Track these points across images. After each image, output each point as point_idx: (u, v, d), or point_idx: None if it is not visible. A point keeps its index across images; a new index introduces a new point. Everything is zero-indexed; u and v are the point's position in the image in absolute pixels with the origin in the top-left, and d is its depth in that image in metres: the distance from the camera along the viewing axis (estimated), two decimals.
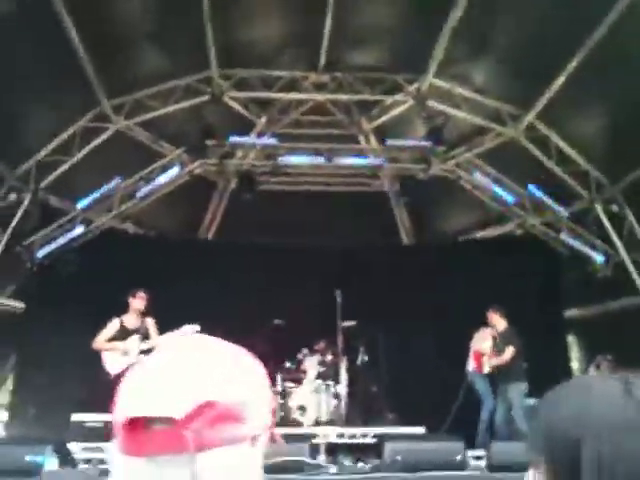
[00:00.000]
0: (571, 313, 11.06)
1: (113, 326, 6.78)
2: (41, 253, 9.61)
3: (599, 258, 10.38)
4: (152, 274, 9.59)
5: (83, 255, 9.78)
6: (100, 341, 6.68)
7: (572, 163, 10.10)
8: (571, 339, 11.33)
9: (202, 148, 9.69)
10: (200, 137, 9.71)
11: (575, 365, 11.09)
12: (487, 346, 8.18)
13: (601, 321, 10.35)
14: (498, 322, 8.15)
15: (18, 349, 9.61)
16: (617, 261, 10.34)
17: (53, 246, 9.69)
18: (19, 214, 9.56)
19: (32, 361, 9.30)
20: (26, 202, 9.60)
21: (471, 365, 8.30)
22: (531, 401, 8.80)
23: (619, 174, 9.82)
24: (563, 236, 10.65)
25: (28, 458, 3.94)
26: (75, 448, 7.30)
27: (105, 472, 4.34)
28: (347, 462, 4.92)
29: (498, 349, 7.86)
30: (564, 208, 10.58)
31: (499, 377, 7.91)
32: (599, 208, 10.26)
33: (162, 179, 10.05)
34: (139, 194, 10.00)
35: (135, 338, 6.59)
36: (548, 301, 10.87)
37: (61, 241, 9.72)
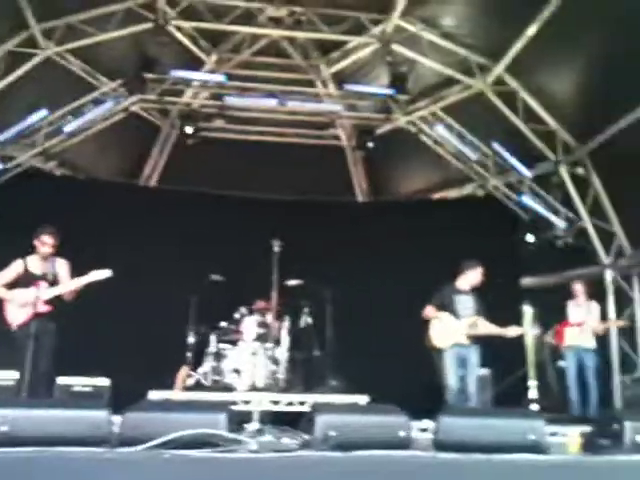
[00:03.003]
0: (528, 281, 10.58)
1: (15, 268, 5.96)
2: None
3: (561, 224, 9.87)
4: (80, 220, 8.76)
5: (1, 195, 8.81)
6: None
7: (539, 122, 9.50)
8: (526, 309, 10.86)
9: (140, 81, 8.70)
10: (139, 70, 8.72)
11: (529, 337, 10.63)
12: None
13: (558, 290, 9.88)
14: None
15: None
16: (579, 228, 9.86)
17: None
18: None
19: None
20: None
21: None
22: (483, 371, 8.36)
23: (587, 136, 9.26)
24: (525, 199, 10.10)
25: None
26: None
27: None
28: (271, 437, 4.28)
29: None
30: (528, 170, 10.01)
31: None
32: (564, 170, 9.70)
33: (93, 114, 9.05)
34: (66, 129, 8.99)
35: (41, 286, 5.77)
36: (505, 268, 10.33)
37: None
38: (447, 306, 6.93)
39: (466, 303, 6.97)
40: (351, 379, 7.53)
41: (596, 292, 9.61)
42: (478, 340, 6.88)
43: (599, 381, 7.97)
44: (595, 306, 8.32)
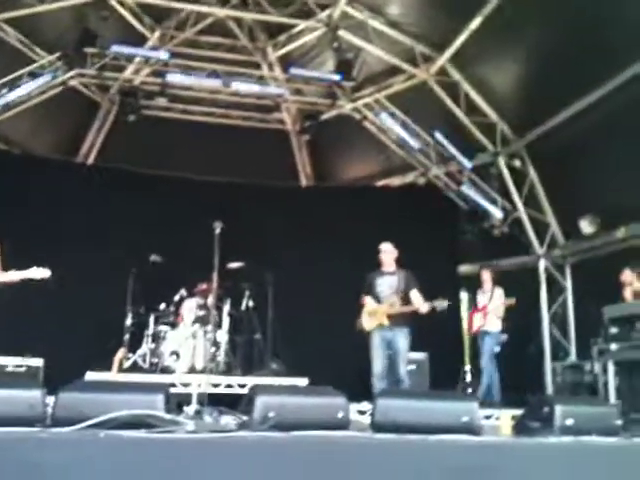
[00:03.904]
0: (465, 269, 10.83)
1: None
2: None
3: (498, 214, 10.12)
4: (14, 196, 8.50)
5: None
6: None
7: (480, 114, 9.71)
8: (463, 295, 11.11)
9: (79, 55, 8.42)
10: (79, 43, 8.45)
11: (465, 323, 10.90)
12: None
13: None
14: None
15: None
16: (514, 218, 10.14)
17: None
18: None
19: None
20: None
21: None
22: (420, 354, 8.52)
23: (525, 129, 9.51)
24: (464, 189, 10.30)
25: None
26: None
27: None
28: (209, 418, 4.25)
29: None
30: (468, 160, 10.20)
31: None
32: (502, 162, 9.95)
33: (29, 87, 8.72)
34: (1, 101, 8.64)
35: None
36: (444, 255, 10.58)
37: None
38: (371, 290, 6.89)
39: (386, 284, 6.84)
40: (291, 362, 7.56)
41: (530, 281, 9.97)
42: (407, 322, 6.70)
43: (501, 364, 8.07)
44: (498, 292, 8.35)
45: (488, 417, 6.01)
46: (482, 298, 8.45)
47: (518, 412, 5.03)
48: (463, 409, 4.23)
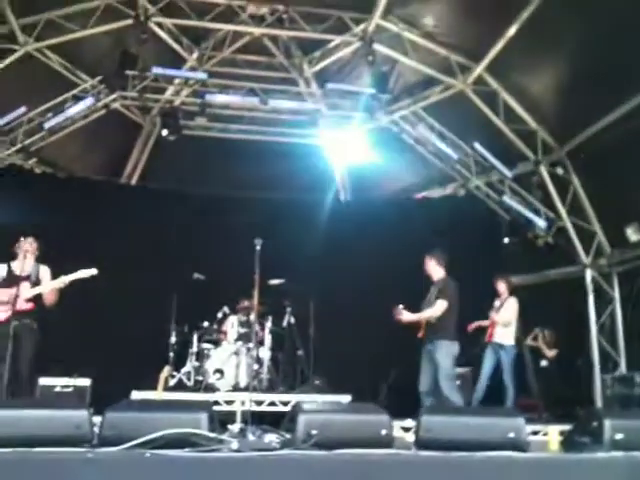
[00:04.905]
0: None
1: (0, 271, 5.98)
2: None
3: (541, 223, 9.93)
4: (61, 219, 8.74)
5: None
6: None
7: (520, 122, 9.57)
8: None
9: (120, 78, 8.63)
10: (119, 66, 8.65)
11: None
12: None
13: (538, 290, 9.95)
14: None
15: None
16: (559, 227, 9.94)
17: None
18: None
19: None
20: None
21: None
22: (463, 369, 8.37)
23: (566, 136, 9.34)
24: (506, 199, 10.14)
25: None
26: None
27: None
28: (252, 436, 4.27)
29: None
30: (509, 169, 10.05)
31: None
32: (544, 170, 9.78)
33: (73, 111, 8.96)
34: (47, 125, 8.89)
35: (23, 285, 5.74)
36: (487, 267, 10.39)
37: None
38: None
39: (430, 296, 6.76)
40: (334, 378, 7.54)
41: (576, 291, 9.75)
42: (445, 335, 6.49)
43: (514, 377, 7.81)
44: (511, 302, 8.12)
45: (535, 433, 5.88)
46: (495, 309, 8.24)
47: (566, 427, 4.92)
48: (509, 425, 4.15)
